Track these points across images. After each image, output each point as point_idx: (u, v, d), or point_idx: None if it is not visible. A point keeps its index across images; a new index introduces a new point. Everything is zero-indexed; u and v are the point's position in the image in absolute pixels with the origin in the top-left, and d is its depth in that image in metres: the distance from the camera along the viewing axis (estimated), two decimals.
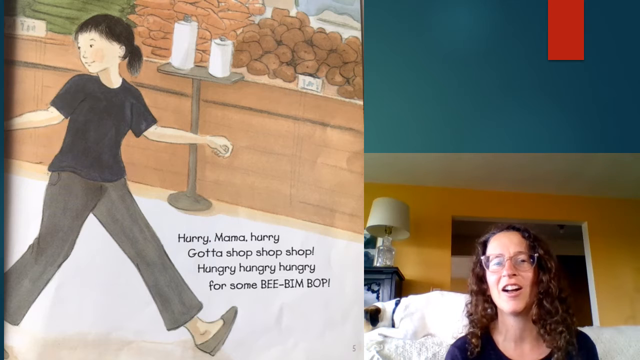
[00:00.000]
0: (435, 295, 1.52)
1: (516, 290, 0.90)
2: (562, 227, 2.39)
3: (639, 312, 2.08)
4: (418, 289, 2.03)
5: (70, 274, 1.04)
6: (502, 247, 0.93)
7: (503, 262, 0.92)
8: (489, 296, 0.94)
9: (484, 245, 0.97)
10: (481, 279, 0.95)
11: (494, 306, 0.94)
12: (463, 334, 0.96)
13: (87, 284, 1.04)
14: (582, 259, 2.23)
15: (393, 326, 1.45)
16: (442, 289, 1.93)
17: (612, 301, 2.11)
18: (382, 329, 1.43)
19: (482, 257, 0.95)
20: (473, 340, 0.92)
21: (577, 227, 2.29)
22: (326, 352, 1.09)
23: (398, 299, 1.52)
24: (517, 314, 0.91)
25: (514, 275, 0.90)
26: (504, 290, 0.91)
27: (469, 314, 0.96)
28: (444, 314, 1.43)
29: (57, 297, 1.04)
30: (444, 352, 1.33)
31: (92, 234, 1.06)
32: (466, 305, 0.98)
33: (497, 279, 0.92)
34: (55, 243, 1.04)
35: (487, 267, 0.94)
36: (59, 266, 1.04)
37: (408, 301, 1.49)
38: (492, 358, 0.92)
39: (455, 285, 2.06)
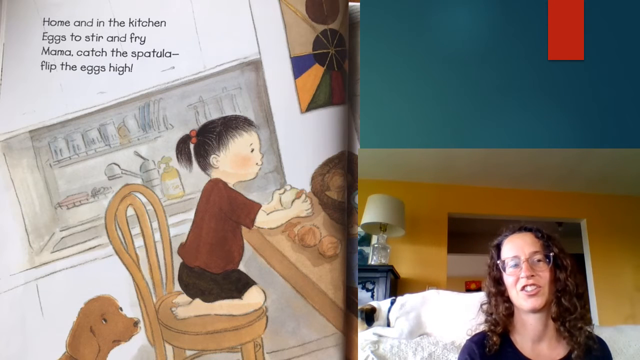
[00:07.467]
0: (431, 294, 1.50)
1: (535, 289, 0.91)
2: (560, 225, 2.37)
3: (639, 311, 2.06)
4: (414, 287, 2.00)
5: None
6: (516, 249, 0.94)
7: (519, 263, 0.93)
8: (507, 296, 0.94)
9: (498, 248, 0.97)
10: (498, 281, 0.96)
11: (512, 305, 0.94)
12: (479, 331, 0.97)
13: None
14: (580, 257, 2.21)
15: (388, 325, 1.43)
16: (438, 287, 1.91)
17: (611, 300, 2.09)
18: (377, 329, 1.40)
19: (498, 261, 0.95)
20: (494, 339, 0.93)
21: (576, 225, 2.27)
22: None
23: (393, 297, 1.49)
24: (536, 311, 0.92)
25: (532, 276, 0.91)
26: (523, 289, 0.91)
27: (489, 314, 0.97)
28: (440, 313, 1.41)
29: None
30: (440, 351, 1.30)
31: None
32: (482, 305, 0.99)
33: (514, 280, 0.92)
34: None
35: (504, 269, 0.94)
36: None
37: (404, 300, 1.46)
38: (510, 357, 0.92)
39: (451, 284, 2.03)
